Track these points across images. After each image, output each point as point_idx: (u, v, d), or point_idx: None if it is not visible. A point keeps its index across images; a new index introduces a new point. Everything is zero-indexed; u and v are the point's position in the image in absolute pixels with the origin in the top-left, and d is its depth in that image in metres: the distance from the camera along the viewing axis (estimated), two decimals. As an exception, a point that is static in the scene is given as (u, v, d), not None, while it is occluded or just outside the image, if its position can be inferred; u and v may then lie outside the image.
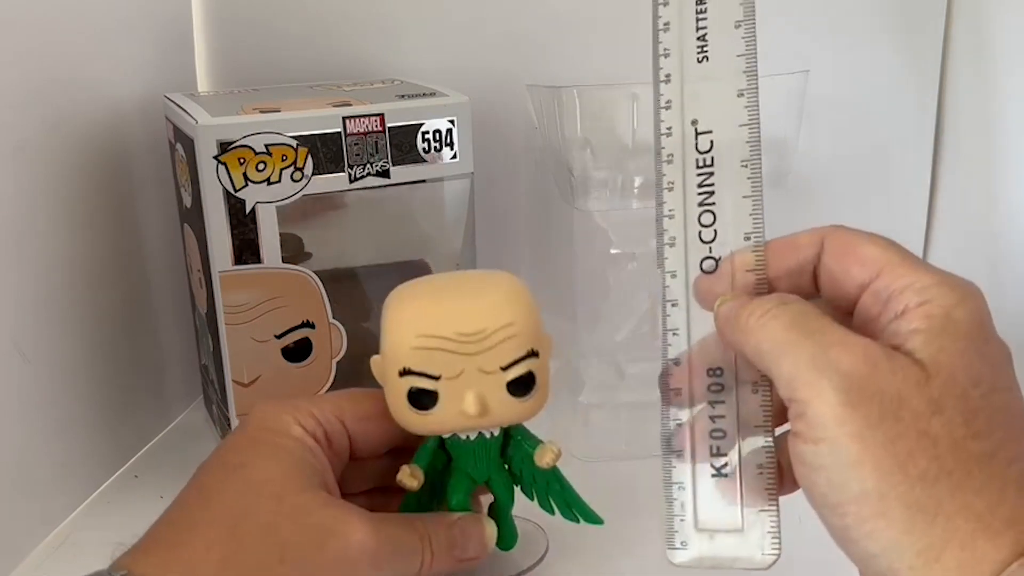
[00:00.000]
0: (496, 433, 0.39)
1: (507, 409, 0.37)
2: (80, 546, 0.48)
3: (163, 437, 0.59)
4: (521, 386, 0.37)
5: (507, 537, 0.41)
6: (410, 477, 0.38)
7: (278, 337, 0.51)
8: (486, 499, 0.41)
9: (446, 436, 0.39)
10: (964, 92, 0.63)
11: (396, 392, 0.37)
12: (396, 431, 0.39)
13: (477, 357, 0.36)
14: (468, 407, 0.36)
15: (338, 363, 0.52)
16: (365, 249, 0.56)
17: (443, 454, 0.39)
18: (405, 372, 0.36)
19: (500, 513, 0.41)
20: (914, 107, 0.65)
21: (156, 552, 0.32)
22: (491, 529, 0.39)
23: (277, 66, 0.63)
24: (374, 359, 0.38)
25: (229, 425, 0.52)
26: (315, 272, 0.51)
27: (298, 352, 0.51)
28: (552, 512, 0.40)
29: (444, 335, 0.35)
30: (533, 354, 0.37)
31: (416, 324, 0.36)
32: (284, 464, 0.34)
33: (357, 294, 0.55)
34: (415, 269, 0.57)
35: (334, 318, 0.52)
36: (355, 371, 0.52)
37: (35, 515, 0.48)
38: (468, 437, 0.38)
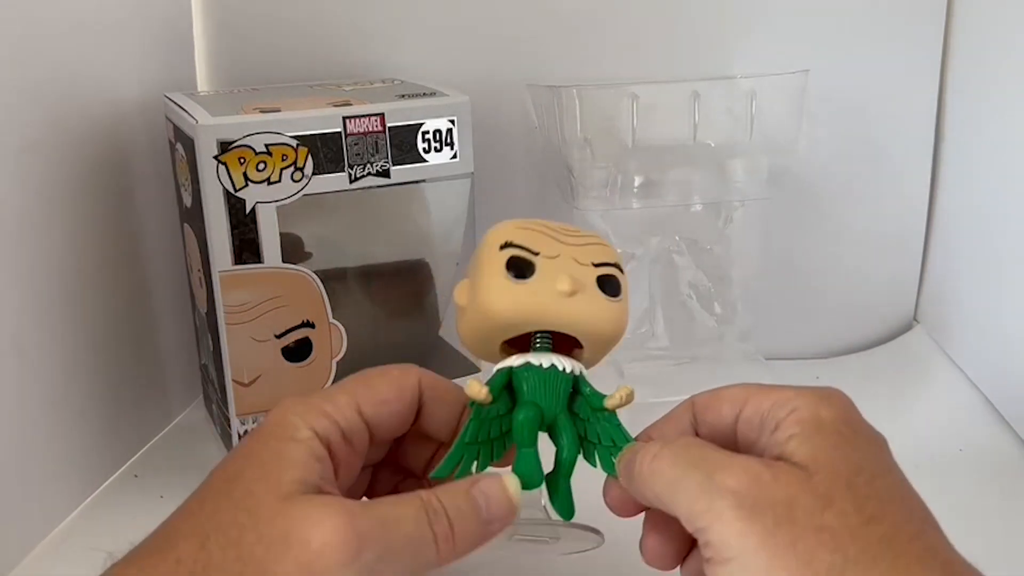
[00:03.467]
0: (568, 370, 0.38)
1: (596, 299, 0.38)
2: (80, 546, 0.48)
3: (163, 437, 0.59)
4: (609, 286, 0.38)
5: (564, 501, 0.38)
6: (480, 385, 0.37)
7: (278, 337, 0.51)
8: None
9: (517, 365, 0.38)
10: (964, 92, 0.63)
11: (494, 265, 0.37)
12: (414, 406, 0.38)
13: (572, 248, 0.38)
14: (562, 283, 0.37)
15: (338, 363, 0.52)
16: (365, 249, 0.56)
17: (508, 399, 0.38)
18: (507, 245, 0.38)
19: (562, 470, 0.38)
20: (914, 107, 0.65)
21: (136, 563, 0.32)
22: (513, 484, 0.36)
23: (277, 66, 0.63)
24: (460, 283, 0.39)
25: (229, 425, 0.52)
26: (315, 272, 0.51)
27: (298, 352, 0.51)
28: (615, 474, 0.37)
29: (544, 225, 0.39)
30: (619, 267, 0.39)
31: (520, 221, 0.39)
32: (274, 475, 0.33)
33: (357, 294, 0.55)
34: (415, 269, 0.57)
35: (334, 318, 0.52)
36: (355, 371, 0.52)
37: (35, 515, 0.48)
38: (541, 365, 0.38)
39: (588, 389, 0.39)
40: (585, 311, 0.38)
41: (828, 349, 0.69)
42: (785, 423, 0.31)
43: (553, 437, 0.39)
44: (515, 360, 0.38)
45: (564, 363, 0.38)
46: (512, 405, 0.38)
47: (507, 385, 0.38)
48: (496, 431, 0.38)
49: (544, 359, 0.38)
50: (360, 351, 0.53)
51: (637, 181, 0.57)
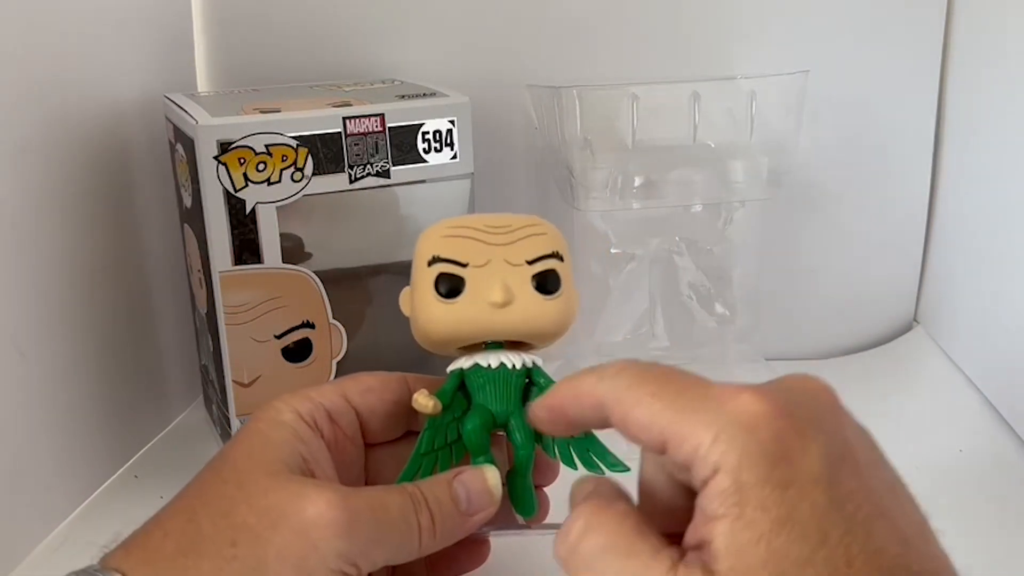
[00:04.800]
0: (518, 366, 0.38)
1: (532, 303, 0.37)
2: (80, 546, 0.48)
3: (163, 437, 0.59)
4: (546, 282, 0.37)
5: (527, 500, 0.38)
6: (426, 398, 0.37)
7: (278, 337, 0.51)
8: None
9: (467, 368, 0.38)
10: (964, 92, 0.63)
11: (424, 283, 0.37)
12: (405, 403, 0.38)
13: (503, 248, 0.37)
14: (494, 294, 0.36)
15: (338, 363, 0.52)
16: (365, 249, 0.56)
17: (462, 400, 0.38)
18: (434, 260, 0.37)
19: (519, 468, 0.38)
20: (914, 107, 0.65)
21: (125, 546, 0.32)
22: (493, 476, 0.36)
23: (277, 66, 0.63)
24: (403, 292, 0.39)
25: (229, 425, 0.52)
26: (315, 272, 0.51)
27: (298, 352, 0.51)
28: (575, 467, 0.38)
29: (472, 226, 0.38)
30: (557, 256, 0.38)
31: (449, 222, 0.38)
32: (257, 451, 0.34)
33: (357, 294, 0.55)
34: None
35: (334, 318, 0.52)
36: (355, 371, 0.52)
37: (35, 515, 0.48)
38: (489, 365, 0.38)
39: (543, 380, 0.39)
40: (521, 318, 0.37)
41: (828, 349, 0.69)
42: (709, 491, 0.26)
43: (508, 436, 0.39)
44: (464, 362, 0.39)
45: (514, 359, 0.38)
46: (468, 405, 0.38)
47: (461, 386, 0.39)
48: (453, 434, 0.38)
49: (492, 359, 0.38)
50: (360, 351, 0.53)
51: (637, 182, 0.57)
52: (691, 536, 0.27)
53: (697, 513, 0.27)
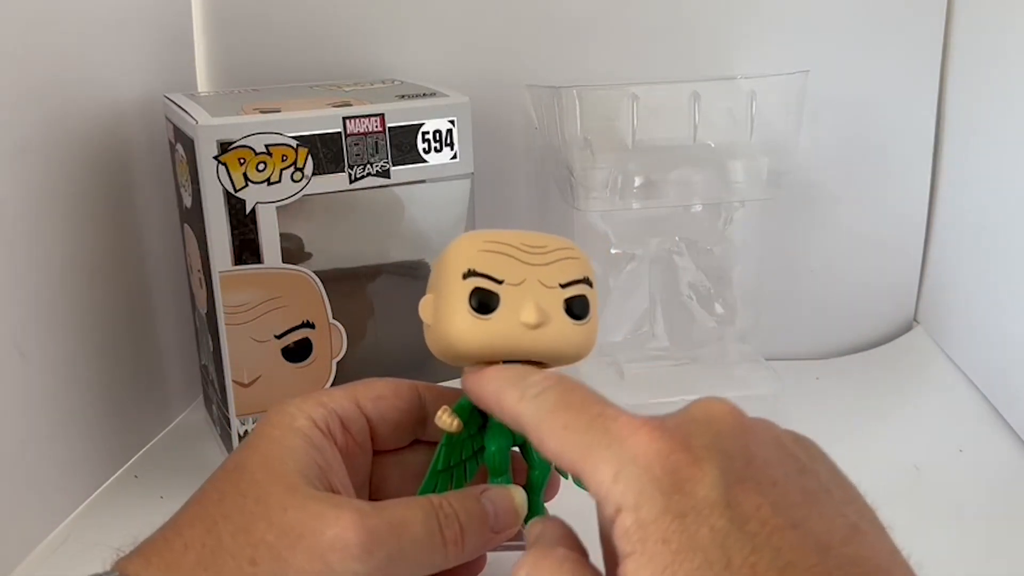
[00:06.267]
0: None
1: (562, 327, 0.37)
2: (80, 546, 0.48)
3: (163, 437, 0.59)
4: (577, 308, 0.37)
5: (539, 514, 0.38)
6: (450, 416, 0.37)
7: (278, 337, 0.51)
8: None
9: None
10: (964, 92, 0.63)
11: (457, 297, 0.36)
12: (415, 412, 0.38)
13: (538, 269, 0.37)
14: (528, 315, 0.36)
15: (338, 363, 0.52)
16: (365, 249, 0.56)
17: (477, 416, 0.38)
18: (469, 274, 0.36)
19: (534, 487, 0.39)
20: (914, 107, 0.65)
21: (143, 553, 0.32)
22: (520, 495, 0.37)
23: (277, 66, 0.63)
24: (424, 299, 0.38)
25: (229, 425, 0.52)
26: (315, 272, 0.51)
27: (298, 352, 0.51)
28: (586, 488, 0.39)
29: (509, 243, 0.37)
30: (588, 282, 0.38)
31: (483, 236, 0.38)
32: (275, 463, 0.34)
33: (357, 294, 0.55)
34: (415, 269, 0.57)
35: (334, 318, 0.52)
36: (355, 371, 0.52)
37: (35, 515, 0.48)
38: None
39: None
40: (551, 341, 0.37)
41: (828, 349, 0.69)
42: (615, 533, 0.27)
43: (525, 455, 0.39)
44: None
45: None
46: (482, 422, 0.38)
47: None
48: (468, 451, 0.38)
49: None
50: (360, 351, 0.53)
51: (637, 181, 0.57)
52: None
53: (611, 554, 0.28)
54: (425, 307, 0.38)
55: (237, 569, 0.31)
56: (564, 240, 0.38)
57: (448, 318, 0.37)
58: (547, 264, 0.37)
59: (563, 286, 0.37)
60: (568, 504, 0.40)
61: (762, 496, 0.26)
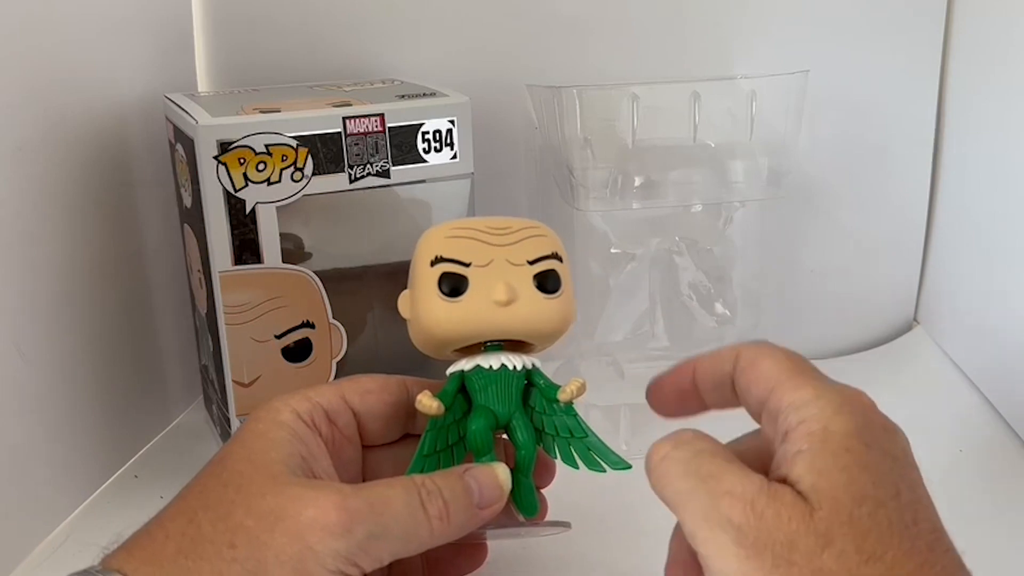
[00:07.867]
0: (519, 368, 0.38)
1: (534, 303, 0.38)
2: (80, 546, 0.48)
3: (163, 437, 0.59)
4: (548, 283, 0.38)
5: (527, 499, 0.39)
6: (429, 399, 0.37)
7: (278, 337, 0.51)
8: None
9: (468, 369, 0.38)
10: (964, 92, 0.63)
11: (427, 283, 0.37)
12: (403, 406, 0.38)
13: (505, 248, 0.38)
14: (497, 293, 0.37)
15: (338, 363, 0.52)
16: (365, 249, 0.56)
17: (463, 401, 0.39)
18: (437, 260, 0.37)
19: (522, 468, 0.39)
20: (914, 107, 0.65)
21: (127, 547, 0.33)
22: (503, 471, 0.37)
23: (277, 66, 0.63)
24: (401, 295, 0.39)
25: (229, 425, 0.52)
26: (315, 272, 0.51)
27: (298, 352, 0.51)
28: (576, 466, 0.39)
29: (473, 227, 0.38)
30: (557, 257, 0.38)
31: (450, 224, 0.39)
32: (258, 455, 0.34)
33: (357, 294, 0.55)
34: (415, 269, 0.57)
35: (334, 318, 0.52)
36: (355, 371, 0.52)
37: (35, 515, 0.48)
38: (491, 367, 0.38)
39: (542, 381, 0.39)
40: (524, 316, 0.38)
41: (828, 349, 0.69)
42: (794, 435, 0.30)
43: (511, 436, 0.39)
44: (465, 364, 0.39)
45: (514, 361, 0.38)
46: (468, 407, 0.39)
47: (461, 388, 0.39)
48: (454, 436, 0.39)
49: (494, 360, 0.38)
50: (360, 351, 0.53)
51: (637, 181, 0.56)
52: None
53: (773, 468, 0.30)
54: (403, 302, 0.39)
55: (216, 554, 0.31)
56: (529, 220, 0.39)
57: (422, 307, 0.37)
58: (513, 244, 0.38)
59: (531, 262, 0.38)
60: (567, 500, 0.40)
61: (904, 476, 0.30)
